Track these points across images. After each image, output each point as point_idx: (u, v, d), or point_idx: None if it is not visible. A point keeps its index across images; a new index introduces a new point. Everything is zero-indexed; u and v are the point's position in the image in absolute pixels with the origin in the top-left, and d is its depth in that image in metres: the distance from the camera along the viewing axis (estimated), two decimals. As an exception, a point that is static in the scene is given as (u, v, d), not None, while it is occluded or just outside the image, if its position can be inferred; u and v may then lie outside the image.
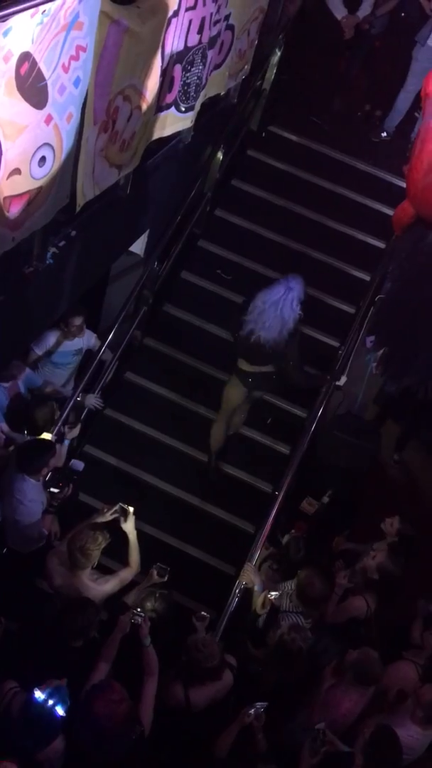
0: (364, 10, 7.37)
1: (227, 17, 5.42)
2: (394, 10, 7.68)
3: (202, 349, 6.79)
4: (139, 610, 4.31)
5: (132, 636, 4.26)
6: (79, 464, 5.56)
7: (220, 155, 6.95)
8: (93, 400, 6.01)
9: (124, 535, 4.80)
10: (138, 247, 6.47)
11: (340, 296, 7.06)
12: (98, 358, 6.15)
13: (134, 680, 4.13)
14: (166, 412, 6.61)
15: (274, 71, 7.41)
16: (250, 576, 5.09)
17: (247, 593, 5.11)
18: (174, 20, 4.56)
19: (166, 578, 4.72)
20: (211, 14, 5.02)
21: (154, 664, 4.25)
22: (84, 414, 6.00)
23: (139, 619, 4.23)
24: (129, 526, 4.80)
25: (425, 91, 5.99)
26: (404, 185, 6.30)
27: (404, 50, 7.57)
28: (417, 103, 7.12)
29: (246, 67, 6.35)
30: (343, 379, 6.31)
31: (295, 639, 4.51)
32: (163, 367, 6.79)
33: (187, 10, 4.68)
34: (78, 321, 5.92)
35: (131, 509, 4.79)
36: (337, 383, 6.31)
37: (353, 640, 4.82)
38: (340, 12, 7.35)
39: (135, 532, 4.83)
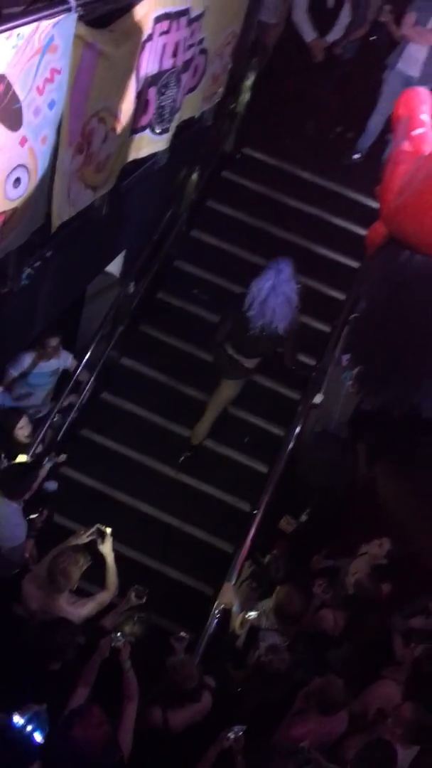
0: (335, 34, 7.50)
1: (201, 41, 5.48)
2: (365, 36, 7.83)
3: (178, 369, 6.80)
4: (119, 634, 4.27)
5: (111, 660, 4.22)
6: (52, 485, 5.51)
7: (195, 176, 7.00)
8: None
9: (101, 557, 4.76)
10: (114, 267, 6.48)
11: (315, 315, 7.10)
12: (75, 378, 6.12)
13: (114, 704, 4.08)
14: (143, 432, 6.60)
15: (248, 94, 7.50)
16: (228, 596, 5.06)
17: (227, 614, 5.08)
18: (148, 44, 4.61)
19: (144, 600, 4.68)
20: (185, 38, 5.08)
21: (133, 688, 4.20)
22: (61, 435, 5.96)
23: (119, 643, 4.19)
24: (106, 548, 4.76)
25: (396, 113, 6.09)
26: (377, 206, 6.38)
27: (375, 73, 7.71)
28: (389, 125, 7.23)
29: (220, 90, 6.42)
30: (319, 398, 6.35)
31: (272, 661, 4.49)
32: (140, 387, 6.78)
33: (161, 34, 4.73)
34: (54, 342, 5.90)
35: (108, 530, 4.77)
36: (314, 401, 6.34)
37: (325, 660, 4.81)
38: (309, 35, 7.48)
39: (113, 554, 4.79)
